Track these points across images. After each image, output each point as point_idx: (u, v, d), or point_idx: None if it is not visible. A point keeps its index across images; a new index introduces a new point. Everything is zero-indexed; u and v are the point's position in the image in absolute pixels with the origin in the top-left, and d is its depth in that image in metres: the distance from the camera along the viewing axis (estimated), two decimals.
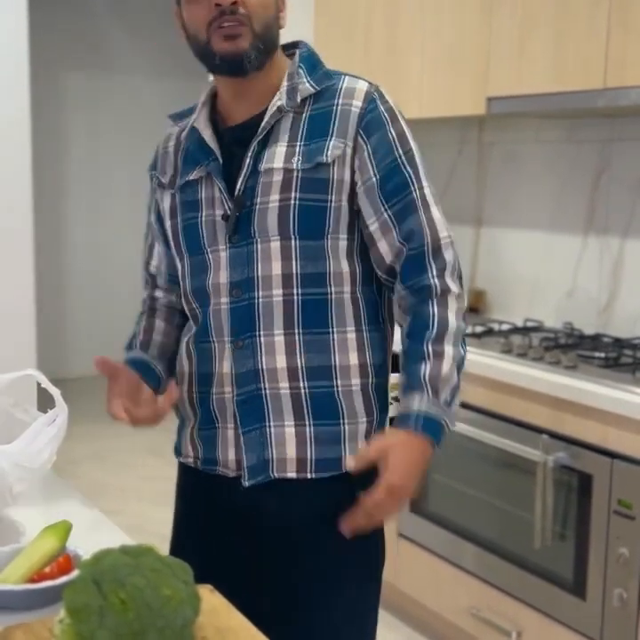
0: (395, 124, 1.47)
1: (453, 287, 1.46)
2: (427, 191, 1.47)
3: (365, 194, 1.45)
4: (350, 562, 1.51)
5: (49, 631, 1.04)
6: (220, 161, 1.48)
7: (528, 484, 2.40)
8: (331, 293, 1.46)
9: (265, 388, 1.46)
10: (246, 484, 1.47)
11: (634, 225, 2.81)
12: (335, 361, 1.47)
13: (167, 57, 6.10)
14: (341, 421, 1.47)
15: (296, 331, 1.45)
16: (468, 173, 3.44)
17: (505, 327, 2.95)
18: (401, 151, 1.46)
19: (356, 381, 1.48)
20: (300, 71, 1.48)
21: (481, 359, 2.56)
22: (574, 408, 2.28)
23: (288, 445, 1.46)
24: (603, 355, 2.49)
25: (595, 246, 2.95)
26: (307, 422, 1.46)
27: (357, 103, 1.45)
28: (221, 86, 1.51)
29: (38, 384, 1.32)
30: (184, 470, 1.62)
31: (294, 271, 1.45)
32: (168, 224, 1.56)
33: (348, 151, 1.44)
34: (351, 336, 1.48)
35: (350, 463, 1.43)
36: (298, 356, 1.45)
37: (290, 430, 1.46)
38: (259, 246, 1.45)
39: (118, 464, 4.58)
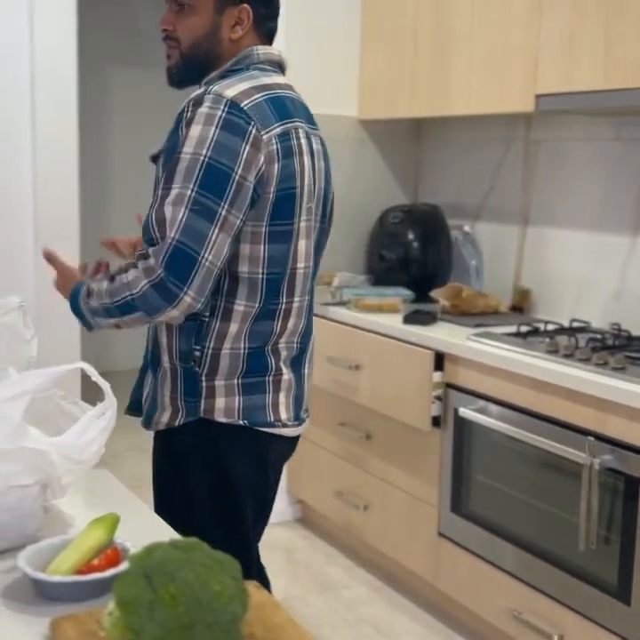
0: (187, 128, 1.66)
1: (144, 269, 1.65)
2: (174, 192, 1.63)
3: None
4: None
5: (96, 623, 1.04)
6: None
7: (573, 486, 2.37)
8: None
9: None
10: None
11: None
12: None
13: None
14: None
15: None
16: (515, 171, 3.40)
17: (551, 327, 2.91)
18: (177, 152, 1.66)
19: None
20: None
21: (526, 359, 2.53)
22: (621, 410, 2.25)
23: None
24: None
25: None
26: None
27: (179, 109, 1.72)
28: None
29: (82, 377, 1.33)
30: None
31: None
32: None
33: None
34: None
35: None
36: None
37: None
38: None
39: None
